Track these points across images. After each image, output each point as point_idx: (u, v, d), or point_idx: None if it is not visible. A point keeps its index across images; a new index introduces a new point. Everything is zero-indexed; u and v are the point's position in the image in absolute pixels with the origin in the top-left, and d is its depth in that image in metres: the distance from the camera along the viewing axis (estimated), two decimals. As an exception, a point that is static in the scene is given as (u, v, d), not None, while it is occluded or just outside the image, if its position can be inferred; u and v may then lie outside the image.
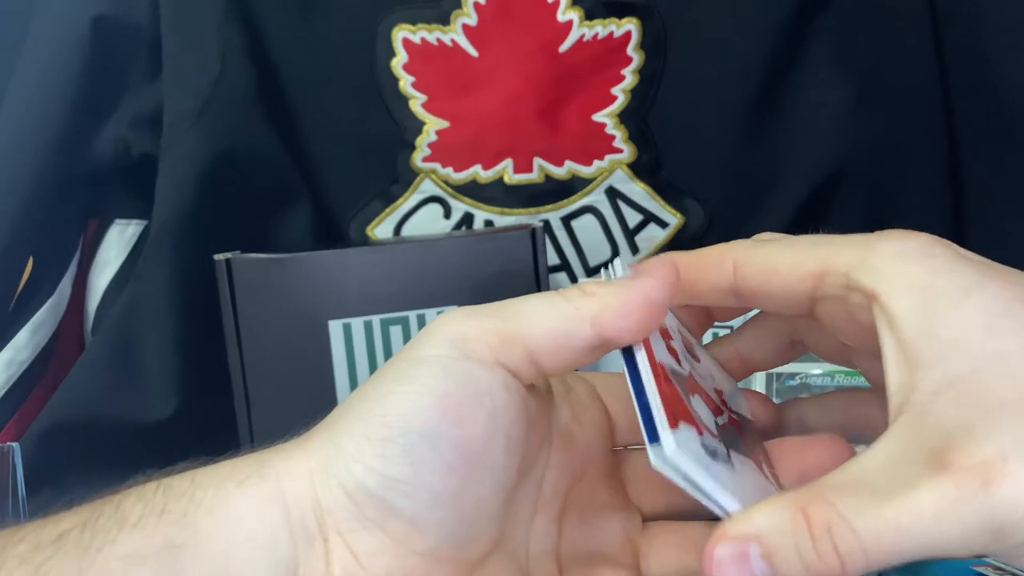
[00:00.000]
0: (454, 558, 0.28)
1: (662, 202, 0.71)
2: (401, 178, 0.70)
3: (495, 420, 0.28)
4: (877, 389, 0.33)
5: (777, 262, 0.31)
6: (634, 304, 0.29)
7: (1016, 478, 0.24)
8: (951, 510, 0.24)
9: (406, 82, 0.69)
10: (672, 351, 0.32)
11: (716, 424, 0.31)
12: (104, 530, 0.27)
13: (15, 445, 0.52)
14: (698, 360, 0.35)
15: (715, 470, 0.27)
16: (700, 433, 0.29)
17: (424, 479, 0.27)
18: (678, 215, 0.71)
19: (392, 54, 0.68)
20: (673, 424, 0.27)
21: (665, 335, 0.33)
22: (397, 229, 0.71)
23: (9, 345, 0.67)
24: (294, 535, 0.28)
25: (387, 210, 0.71)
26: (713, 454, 0.28)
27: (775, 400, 0.62)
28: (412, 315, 0.59)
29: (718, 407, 0.33)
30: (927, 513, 0.24)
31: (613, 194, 0.71)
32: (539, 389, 0.31)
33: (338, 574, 0.28)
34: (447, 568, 0.28)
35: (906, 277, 0.27)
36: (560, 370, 0.29)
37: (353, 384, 0.58)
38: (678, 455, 0.26)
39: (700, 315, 0.37)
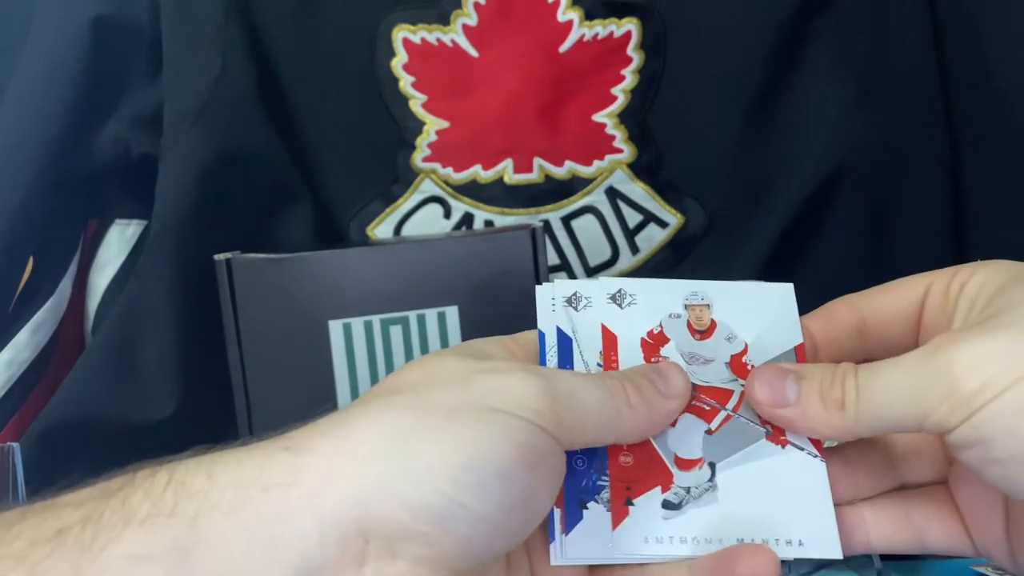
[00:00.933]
0: (477, 570, 0.30)
1: (662, 202, 0.71)
2: (401, 178, 0.70)
3: (551, 480, 0.31)
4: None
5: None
6: (654, 429, 0.34)
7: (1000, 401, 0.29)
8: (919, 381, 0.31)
9: (406, 82, 0.69)
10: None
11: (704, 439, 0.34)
12: (108, 527, 0.27)
13: (15, 445, 0.52)
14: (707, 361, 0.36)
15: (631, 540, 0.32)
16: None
17: (490, 512, 0.29)
18: (678, 215, 0.71)
19: (392, 54, 0.68)
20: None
21: None
22: (397, 229, 0.71)
23: (9, 345, 0.67)
24: (324, 537, 0.28)
25: (387, 210, 0.71)
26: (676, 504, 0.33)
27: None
28: (412, 315, 0.59)
29: (715, 408, 0.35)
30: (902, 378, 0.32)
31: (613, 194, 0.71)
32: None
33: (371, 570, 0.28)
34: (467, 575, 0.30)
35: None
36: (578, 448, 0.33)
37: (353, 384, 0.58)
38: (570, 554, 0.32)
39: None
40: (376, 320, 0.58)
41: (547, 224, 0.70)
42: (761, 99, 0.69)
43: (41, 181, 0.67)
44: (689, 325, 0.36)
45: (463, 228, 0.71)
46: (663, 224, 0.71)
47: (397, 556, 0.28)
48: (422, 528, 0.28)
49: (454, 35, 0.68)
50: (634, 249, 0.71)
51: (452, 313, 0.59)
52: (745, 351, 0.36)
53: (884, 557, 0.56)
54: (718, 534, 0.32)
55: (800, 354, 0.36)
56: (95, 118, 0.68)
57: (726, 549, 0.32)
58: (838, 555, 0.32)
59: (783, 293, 0.38)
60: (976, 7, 0.68)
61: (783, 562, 0.32)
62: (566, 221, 0.71)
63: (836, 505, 0.34)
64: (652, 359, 0.36)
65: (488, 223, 0.71)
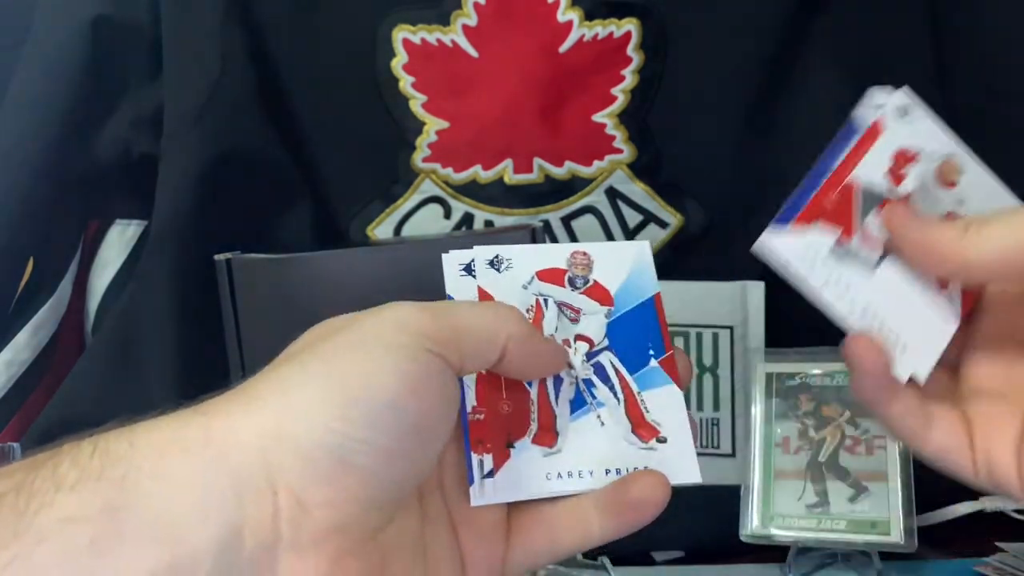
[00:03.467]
0: (389, 506, 0.32)
1: (662, 202, 0.71)
2: (401, 178, 0.71)
3: (442, 394, 0.33)
4: None
5: None
6: (536, 366, 0.37)
7: None
8: None
9: (406, 82, 0.69)
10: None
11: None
12: (40, 492, 0.28)
13: (16, 445, 0.52)
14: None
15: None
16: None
17: (384, 440, 0.31)
18: (678, 215, 0.71)
19: (392, 54, 0.68)
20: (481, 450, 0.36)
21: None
22: (397, 229, 0.71)
23: (10, 345, 0.67)
24: (240, 493, 0.29)
25: (387, 210, 0.71)
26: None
27: (775, 400, 0.62)
28: (412, 315, 0.59)
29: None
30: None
31: (613, 194, 0.71)
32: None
33: (287, 524, 0.29)
34: (380, 515, 0.32)
35: None
36: (472, 371, 0.36)
37: (353, 384, 0.58)
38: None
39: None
40: (376, 320, 0.58)
41: (547, 224, 0.71)
42: (761, 99, 0.69)
43: (41, 181, 0.67)
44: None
45: (463, 228, 0.71)
46: (663, 224, 0.71)
47: (307, 507, 0.29)
48: (321, 468, 0.30)
49: (454, 35, 0.68)
50: (634, 249, 0.71)
51: (452, 313, 0.59)
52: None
53: (884, 557, 0.56)
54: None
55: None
56: (95, 118, 0.68)
57: (622, 478, 0.36)
58: (697, 479, 0.37)
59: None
60: (976, 7, 0.68)
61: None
62: (566, 221, 0.71)
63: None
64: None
65: (488, 223, 0.71)
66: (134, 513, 0.28)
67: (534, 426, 0.38)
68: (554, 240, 0.71)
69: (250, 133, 0.68)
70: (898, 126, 0.42)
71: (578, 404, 0.38)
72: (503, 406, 0.37)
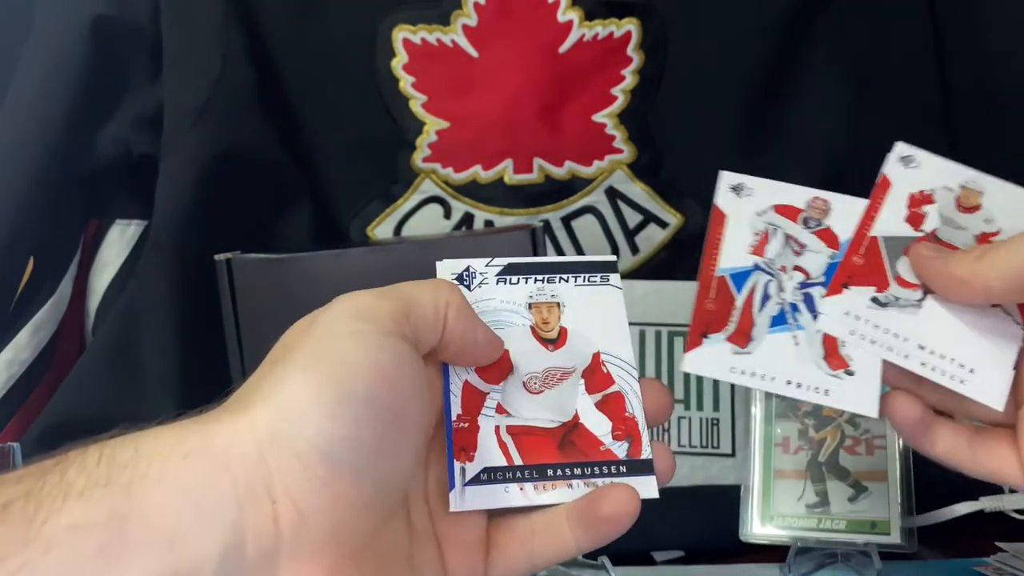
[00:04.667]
0: (381, 508, 0.33)
1: (662, 202, 0.71)
2: (401, 178, 0.71)
3: (414, 383, 0.33)
4: None
5: None
6: (481, 346, 0.37)
7: None
8: None
9: (406, 82, 0.69)
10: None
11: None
12: (48, 499, 0.28)
13: (16, 444, 0.52)
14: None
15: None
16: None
17: (368, 435, 0.31)
18: (678, 215, 0.71)
19: (392, 54, 0.68)
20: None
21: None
22: (397, 229, 0.71)
23: (10, 345, 0.67)
24: (241, 501, 0.29)
25: (387, 210, 0.71)
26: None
27: (775, 400, 0.62)
28: (412, 315, 0.59)
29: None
30: None
31: (613, 194, 0.71)
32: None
33: (287, 532, 0.30)
34: (373, 517, 0.32)
35: None
36: (426, 348, 0.36)
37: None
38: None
39: None
40: (376, 320, 0.58)
41: (547, 224, 0.71)
42: (761, 99, 0.69)
43: (42, 181, 0.67)
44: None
45: (463, 228, 0.71)
46: (663, 224, 0.71)
47: (305, 513, 0.30)
48: (315, 471, 0.30)
49: (454, 35, 0.68)
50: (634, 249, 0.71)
51: (452, 313, 0.59)
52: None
53: (884, 557, 0.56)
54: (791, 377, 0.40)
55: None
56: (95, 118, 0.68)
57: (591, 492, 0.36)
58: (874, 414, 0.41)
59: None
60: (976, 6, 0.68)
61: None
62: (566, 221, 0.71)
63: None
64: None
65: (488, 223, 0.71)
66: (140, 521, 0.28)
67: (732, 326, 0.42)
68: (554, 240, 0.71)
69: (250, 133, 0.68)
70: (905, 174, 0.44)
71: (778, 321, 0.42)
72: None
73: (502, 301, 0.40)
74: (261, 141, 0.69)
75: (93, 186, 0.70)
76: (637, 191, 0.71)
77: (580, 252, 0.71)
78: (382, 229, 0.71)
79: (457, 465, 0.37)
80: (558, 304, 0.41)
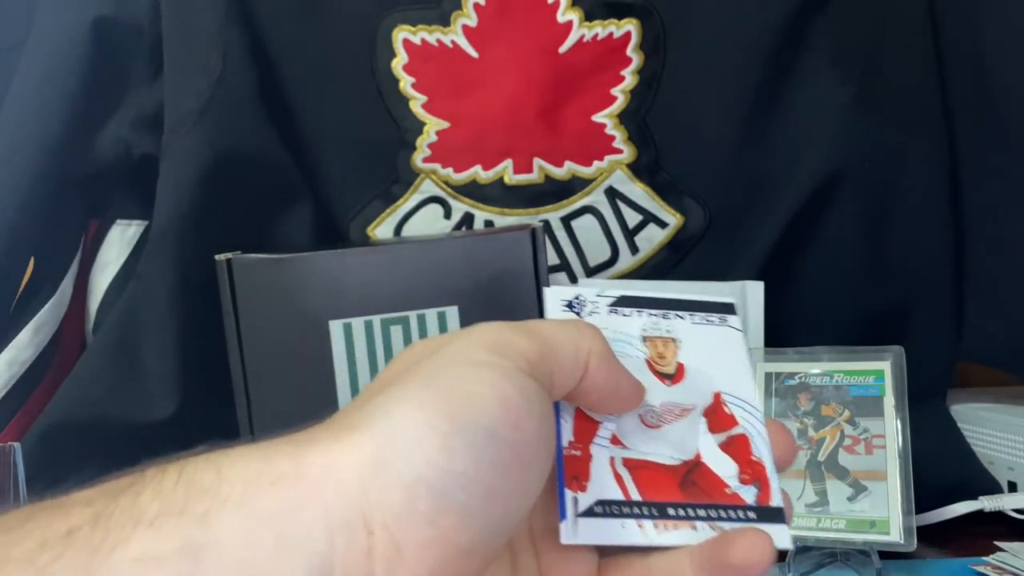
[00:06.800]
0: (485, 553, 0.29)
1: (661, 202, 0.71)
2: (401, 178, 0.71)
3: (541, 426, 0.30)
4: None
5: None
6: (624, 397, 0.34)
7: None
8: None
9: (406, 83, 0.69)
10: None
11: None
12: (118, 527, 0.26)
13: (16, 444, 0.52)
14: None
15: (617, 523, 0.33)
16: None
17: (483, 474, 0.28)
18: (677, 215, 0.71)
19: (392, 55, 0.68)
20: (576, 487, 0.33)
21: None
22: (397, 229, 0.71)
23: (11, 345, 0.67)
24: (332, 532, 0.27)
25: (387, 210, 0.71)
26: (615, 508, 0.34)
27: (774, 399, 0.62)
28: (412, 315, 0.59)
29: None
30: None
31: (613, 194, 0.71)
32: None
33: (380, 569, 0.27)
34: (476, 562, 0.29)
35: None
36: (560, 394, 0.33)
37: (353, 383, 0.58)
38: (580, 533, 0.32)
39: None
40: (376, 320, 0.59)
41: (547, 224, 0.71)
42: (760, 100, 0.69)
43: (42, 182, 0.67)
44: (651, 363, 0.37)
45: (463, 228, 0.71)
46: (663, 224, 0.71)
47: (400, 547, 0.28)
48: (420, 507, 0.28)
49: (454, 36, 0.68)
50: (634, 249, 0.71)
51: (452, 313, 0.59)
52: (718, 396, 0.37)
53: (883, 556, 0.56)
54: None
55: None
56: (96, 119, 0.68)
57: (722, 535, 0.32)
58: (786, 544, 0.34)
59: (732, 336, 0.39)
60: (975, 7, 0.68)
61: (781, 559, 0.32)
62: (566, 221, 0.71)
63: None
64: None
65: (488, 223, 0.71)
66: (215, 552, 0.26)
67: None
68: (553, 240, 0.71)
69: (250, 133, 0.68)
70: None
71: None
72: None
73: (615, 332, 0.37)
74: (261, 141, 0.69)
75: (93, 186, 0.70)
76: (637, 191, 0.71)
77: (580, 252, 0.71)
78: (382, 229, 0.71)
79: (569, 494, 0.33)
80: (674, 340, 0.38)
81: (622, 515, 0.33)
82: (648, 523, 0.33)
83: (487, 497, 0.29)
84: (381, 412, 0.29)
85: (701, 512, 0.34)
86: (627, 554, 0.34)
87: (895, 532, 0.57)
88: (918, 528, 0.57)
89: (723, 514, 0.34)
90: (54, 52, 0.67)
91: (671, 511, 0.34)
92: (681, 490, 0.34)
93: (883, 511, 0.58)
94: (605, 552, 0.34)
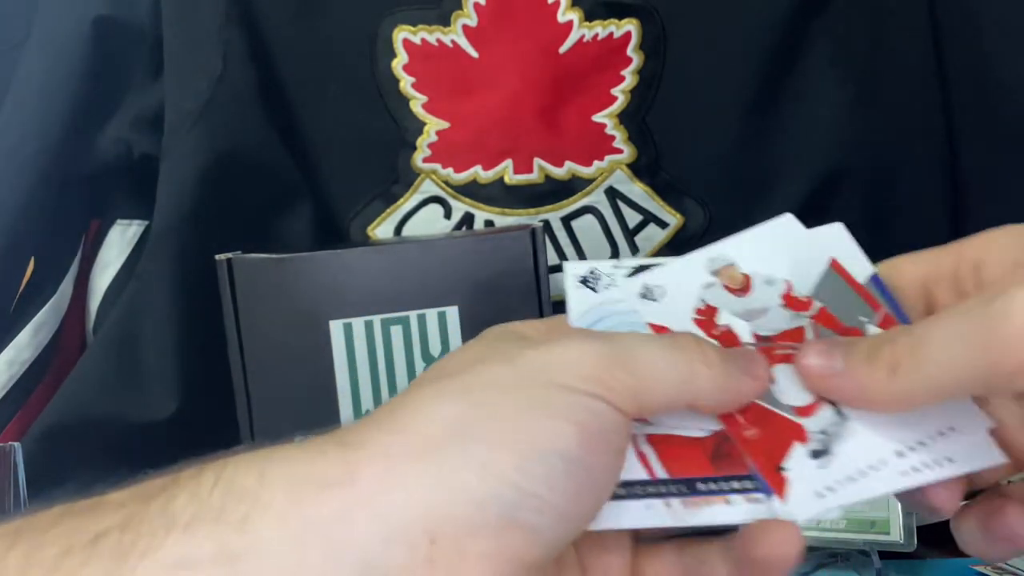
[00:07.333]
0: (546, 566, 0.29)
1: (662, 202, 0.71)
2: (401, 178, 0.71)
3: (616, 457, 0.29)
4: None
5: None
6: (736, 400, 0.31)
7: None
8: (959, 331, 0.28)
9: (406, 83, 0.69)
10: None
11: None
12: (149, 532, 0.25)
13: (17, 444, 0.52)
14: None
15: None
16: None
17: (557, 499, 0.28)
18: (678, 215, 0.71)
19: (392, 55, 0.68)
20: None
21: None
22: (398, 229, 0.71)
23: (11, 345, 0.67)
24: (389, 540, 0.26)
25: (388, 210, 0.71)
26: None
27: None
28: (413, 315, 0.59)
29: None
30: (962, 325, 0.29)
31: (613, 194, 0.71)
32: None
33: (441, 573, 0.26)
34: (536, 574, 0.28)
35: None
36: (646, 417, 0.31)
37: (353, 383, 0.58)
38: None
39: None
40: (376, 320, 0.59)
41: (547, 224, 0.71)
42: (760, 99, 0.69)
43: (42, 181, 0.67)
44: (727, 288, 0.35)
45: (463, 228, 0.71)
46: (663, 224, 0.71)
47: (464, 555, 0.27)
48: (491, 522, 0.27)
49: (454, 36, 0.68)
50: (634, 249, 0.71)
51: (452, 313, 0.59)
52: (790, 287, 0.35)
53: (883, 556, 0.56)
54: (875, 456, 0.31)
55: (835, 266, 0.35)
56: (96, 118, 0.68)
57: (745, 529, 0.31)
58: (998, 459, 0.31)
59: (785, 222, 0.38)
60: (975, 7, 0.68)
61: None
62: (566, 221, 0.71)
63: None
64: (712, 332, 0.34)
65: (488, 223, 0.71)
66: (255, 559, 0.25)
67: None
68: (554, 240, 0.71)
69: (250, 133, 0.68)
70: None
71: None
72: (746, 433, 0.32)
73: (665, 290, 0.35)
74: (261, 141, 0.69)
75: (93, 186, 0.70)
76: (637, 191, 0.71)
77: (580, 252, 0.71)
78: (382, 229, 0.71)
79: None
80: (732, 264, 0.36)
81: (647, 495, 0.31)
82: (676, 501, 0.31)
83: (558, 519, 0.28)
84: (450, 423, 0.28)
85: (736, 484, 0.31)
86: (660, 543, 0.33)
87: (895, 532, 0.57)
88: (918, 528, 0.57)
89: (759, 485, 0.31)
90: (54, 52, 0.67)
91: (701, 486, 0.31)
92: (712, 464, 0.32)
93: (883, 511, 0.58)
94: (640, 540, 0.33)
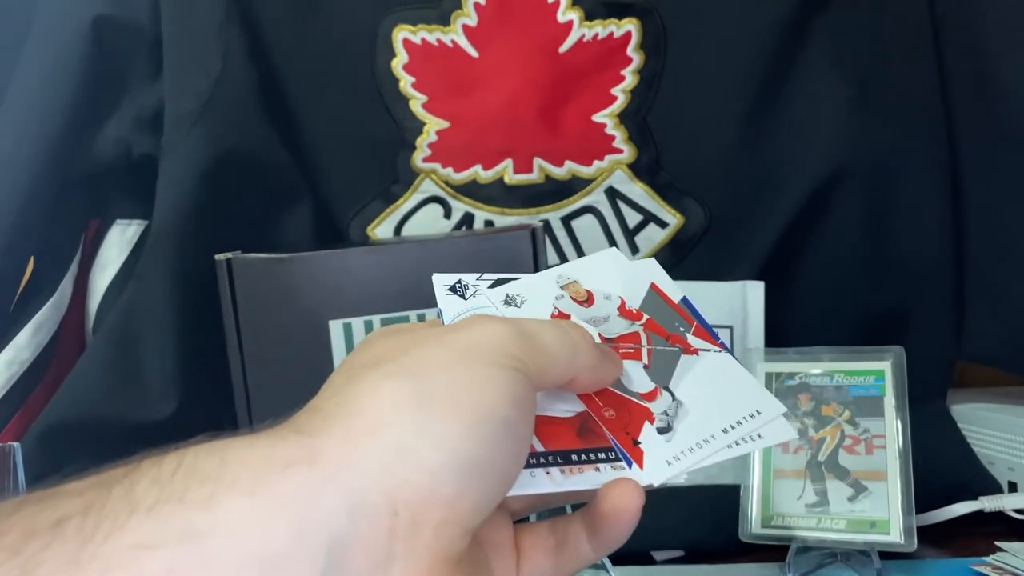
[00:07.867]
0: (473, 530, 0.31)
1: (662, 202, 0.71)
2: (401, 178, 0.71)
3: (531, 423, 0.33)
4: None
5: None
6: (604, 379, 0.37)
7: None
8: None
9: (406, 82, 0.69)
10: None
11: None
12: (112, 515, 0.25)
13: (16, 444, 0.52)
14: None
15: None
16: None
17: (499, 459, 0.31)
18: (678, 215, 0.71)
19: (392, 55, 0.68)
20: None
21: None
22: (397, 229, 0.71)
23: (11, 345, 0.67)
24: (354, 514, 0.27)
25: (387, 210, 0.71)
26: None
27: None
28: (412, 315, 0.59)
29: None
30: None
31: (613, 194, 0.71)
32: None
33: (400, 548, 0.28)
34: (468, 540, 0.31)
35: None
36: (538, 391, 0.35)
37: (353, 384, 0.58)
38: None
39: None
40: (376, 320, 0.59)
41: (547, 224, 0.71)
42: (761, 100, 0.69)
43: (42, 181, 0.67)
44: (573, 299, 0.42)
45: (463, 228, 0.71)
46: (663, 224, 0.71)
47: (420, 527, 0.29)
48: (444, 490, 0.29)
49: (454, 35, 0.68)
50: (634, 249, 0.71)
51: (452, 313, 0.59)
52: (624, 302, 0.42)
53: (883, 556, 0.56)
54: (707, 432, 0.38)
55: (655, 288, 0.43)
56: (96, 118, 0.68)
57: (600, 489, 0.35)
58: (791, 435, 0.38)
59: (613, 254, 0.44)
60: (976, 7, 0.68)
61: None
62: (566, 221, 0.71)
63: None
64: None
65: (488, 223, 0.71)
66: (223, 538, 0.25)
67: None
68: (554, 240, 0.71)
69: (250, 133, 0.68)
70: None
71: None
72: (606, 413, 0.39)
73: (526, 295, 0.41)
74: (261, 141, 0.69)
75: (93, 186, 0.70)
76: (637, 191, 0.71)
77: (580, 252, 0.71)
78: (382, 229, 0.71)
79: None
80: (575, 281, 0.42)
81: (530, 466, 0.35)
82: (555, 471, 0.36)
83: (497, 483, 0.31)
84: (401, 402, 0.30)
85: (602, 455, 0.37)
86: (535, 524, 0.37)
87: (895, 532, 0.57)
88: (918, 528, 0.57)
89: (618, 455, 0.37)
90: (54, 51, 0.67)
91: (575, 457, 0.37)
92: (580, 438, 0.37)
93: (883, 511, 0.58)
94: (518, 520, 0.37)
